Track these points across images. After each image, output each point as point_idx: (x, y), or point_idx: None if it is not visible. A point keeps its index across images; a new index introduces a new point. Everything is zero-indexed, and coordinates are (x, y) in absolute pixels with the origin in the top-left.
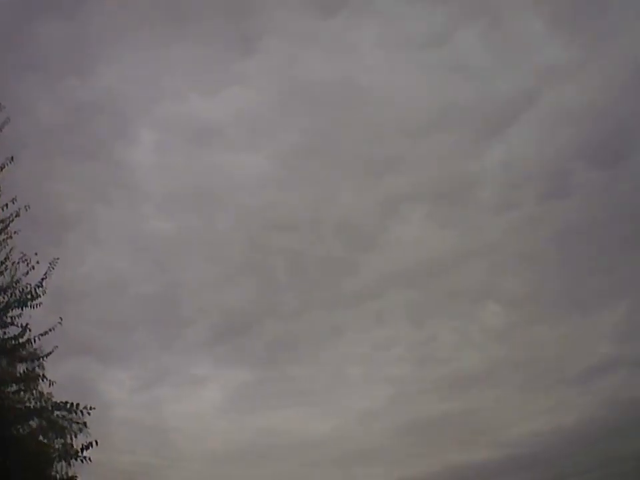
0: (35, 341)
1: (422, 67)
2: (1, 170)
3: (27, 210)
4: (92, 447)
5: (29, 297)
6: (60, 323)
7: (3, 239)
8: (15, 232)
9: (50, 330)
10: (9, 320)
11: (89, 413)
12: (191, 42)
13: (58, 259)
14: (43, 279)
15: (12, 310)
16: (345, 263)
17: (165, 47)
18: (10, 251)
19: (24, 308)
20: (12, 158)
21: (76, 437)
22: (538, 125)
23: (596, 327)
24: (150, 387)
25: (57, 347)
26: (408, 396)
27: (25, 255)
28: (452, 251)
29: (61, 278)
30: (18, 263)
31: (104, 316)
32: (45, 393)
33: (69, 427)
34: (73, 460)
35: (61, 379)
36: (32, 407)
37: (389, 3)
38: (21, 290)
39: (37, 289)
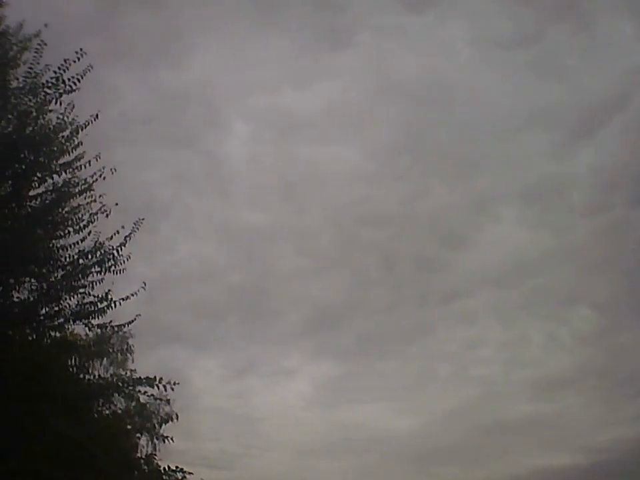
0: (115, 305)
1: (511, 67)
2: (85, 127)
3: (112, 173)
4: (172, 420)
5: (111, 258)
6: (144, 287)
7: (87, 202)
8: (100, 195)
9: (132, 294)
10: (88, 284)
11: (172, 389)
12: (282, 34)
13: (143, 219)
14: (125, 240)
15: (93, 274)
16: (436, 260)
17: (257, 38)
18: (95, 215)
19: (105, 271)
20: (97, 115)
21: (158, 413)
22: (629, 129)
23: None
24: (238, 377)
25: (139, 315)
26: (494, 396)
27: (107, 209)
28: (542, 252)
29: (153, 266)
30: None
31: (194, 304)
32: (127, 367)
33: (152, 403)
34: (156, 439)
35: (150, 366)
36: (113, 381)
37: (479, 1)
38: (102, 252)
39: (119, 251)
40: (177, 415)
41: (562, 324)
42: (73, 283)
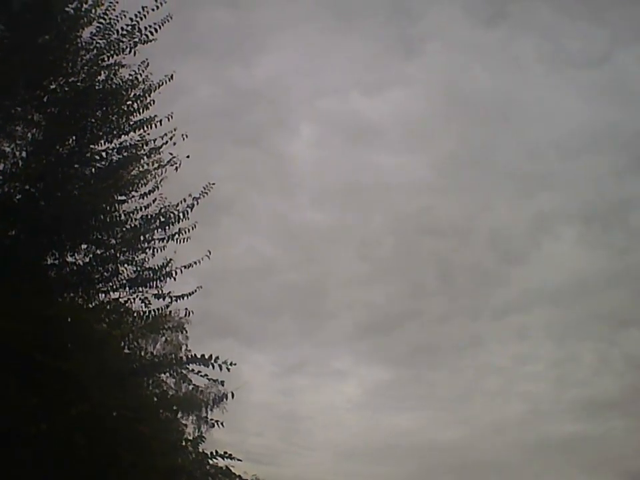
0: (176, 274)
1: (580, 86)
2: (159, 87)
3: (183, 139)
4: (226, 399)
5: (173, 219)
6: (208, 256)
7: (155, 167)
8: (168, 161)
9: (197, 262)
10: (149, 250)
11: (228, 369)
12: (355, 39)
13: (214, 184)
14: (192, 205)
15: (155, 241)
16: (494, 274)
17: (329, 42)
18: (160, 182)
19: (168, 239)
20: (172, 76)
21: (209, 397)
22: None
23: None
24: (288, 374)
25: (200, 287)
26: (541, 413)
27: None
28: (600, 273)
29: (212, 259)
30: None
31: (250, 300)
32: (179, 343)
33: (204, 388)
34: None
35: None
36: (166, 359)
37: (550, 19)
38: (166, 217)
39: (184, 214)
40: (232, 394)
41: (614, 346)
42: (133, 248)
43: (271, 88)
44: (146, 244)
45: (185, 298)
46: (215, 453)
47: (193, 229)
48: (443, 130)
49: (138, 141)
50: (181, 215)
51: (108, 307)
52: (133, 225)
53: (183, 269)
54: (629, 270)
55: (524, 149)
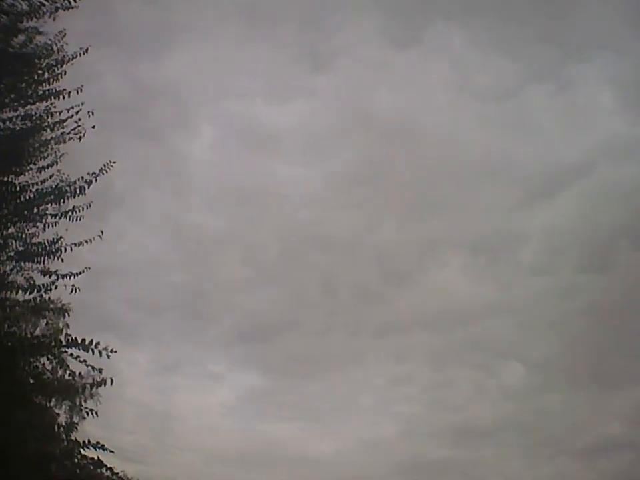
0: (65, 251)
1: (485, 118)
2: (73, 59)
3: (89, 116)
4: (104, 385)
5: (69, 194)
6: (100, 236)
7: (56, 142)
8: (70, 138)
9: (87, 241)
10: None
11: (108, 356)
12: (266, 47)
13: (114, 162)
14: (89, 182)
15: (47, 217)
16: (376, 293)
17: (240, 47)
18: (59, 157)
19: (61, 216)
20: (87, 49)
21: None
22: (588, 197)
23: (610, 406)
24: (164, 374)
25: (88, 268)
26: (413, 435)
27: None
28: (483, 303)
29: (98, 253)
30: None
31: (133, 296)
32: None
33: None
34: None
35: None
36: (41, 338)
37: (462, 49)
38: (61, 190)
39: (80, 190)
40: (111, 380)
41: (491, 376)
42: (23, 221)
43: (177, 86)
44: (37, 218)
45: (72, 277)
46: (87, 442)
47: (87, 207)
48: (341, 145)
49: (43, 112)
50: (77, 190)
51: None
52: (26, 198)
53: (72, 246)
54: (511, 303)
55: (420, 172)
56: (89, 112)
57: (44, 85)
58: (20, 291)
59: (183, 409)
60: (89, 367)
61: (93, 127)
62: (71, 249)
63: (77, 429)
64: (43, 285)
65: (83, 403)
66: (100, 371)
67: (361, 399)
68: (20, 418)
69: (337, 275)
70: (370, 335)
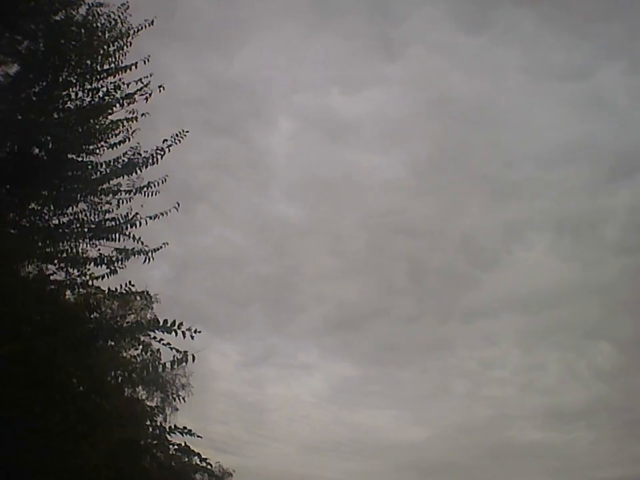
0: (140, 225)
1: (560, 98)
2: (138, 32)
3: (160, 91)
4: (186, 362)
5: (141, 163)
6: (176, 208)
7: (126, 118)
8: (142, 114)
9: (163, 213)
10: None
11: (192, 337)
12: (338, 38)
13: (187, 131)
14: (162, 151)
15: (121, 193)
16: (464, 277)
17: (311, 39)
18: (131, 133)
19: (135, 192)
20: (152, 21)
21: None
22: None
23: None
24: (255, 365)
25: (166, 243)
26: (505, 419)
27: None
28: (570, 283)
29: (185, 247)
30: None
31: (220, 289)
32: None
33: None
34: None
35: (170, 342)
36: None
37: (534, 30)
38: (133, 160)
39: (153, 158)
40: (193, 357)
41: (581, 356)
42: (95, 195)
43: (250, 80)
44: (111, 193)
45: (150, 253)
46: (173, 428)
47: (163, 182)
48: (419, 132)
49: (112, 88)
50: (149, 160)
51: (65, 254)
52: (97, 173)
53: (147, 219)
54: (598, 282)
55: (500, 155)
56: (160, 86)
57: (110, 59)
58: (95, 266)
59: (275, 400)
60: (173, 350)
61: (162, 88)
62: (146, 222)
63: (161, 412)
64: (117, 258)
65: (174, 394)
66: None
67: (452, 384)
68: (105, 408)
69: (423, 261)
70: (459, 320)
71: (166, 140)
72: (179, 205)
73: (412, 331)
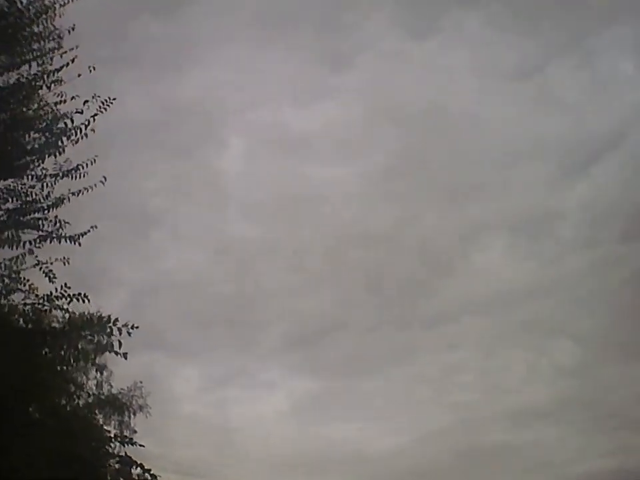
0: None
1: (511, 98)
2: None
3: (91, 71)
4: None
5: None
6: (102, 182)
7: (55, 101)
8: (72, 97)
9: (88, 189)
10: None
11: (128, 333)
12: (285, 52)
13: (114, 99)
14: (87, 123)
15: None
16: (422, 284)
17: (260, 55)
18: (59, 118)
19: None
20: None
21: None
22: (623, 166)
23: None
24: (217, 387)
25: (95, 226)
26: (473, 422)
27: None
28: (528, 283)
29: (143, 272)
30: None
31: (181, 312)
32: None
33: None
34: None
35: (131, 369)
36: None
37: (481, 31)
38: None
39: (80, 132)
40: (125, 356)
41: (544, 355)
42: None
43: (202, 101)
44: (35, 179)
45: (78, 237)
46: (116, 437)
47: (92, 163)
48: (373, 141)
49: (37, 71)
50: (75, 131)
51: None
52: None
53: (71, 196)
54: (557, 280)
55: (454, 159)
56: (90, 67)
57: (40, 42)
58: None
59: (240, 420)
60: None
61: (92, 69)
62: (69, 200)
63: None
64: (34, 240)
65: (131, 420)
66: (125, 356)
67: (416, 392)
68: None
69: (381, 270)
70: (420, 327)
71: (87, 101)
72: (105, 180)
73: (373, 342)
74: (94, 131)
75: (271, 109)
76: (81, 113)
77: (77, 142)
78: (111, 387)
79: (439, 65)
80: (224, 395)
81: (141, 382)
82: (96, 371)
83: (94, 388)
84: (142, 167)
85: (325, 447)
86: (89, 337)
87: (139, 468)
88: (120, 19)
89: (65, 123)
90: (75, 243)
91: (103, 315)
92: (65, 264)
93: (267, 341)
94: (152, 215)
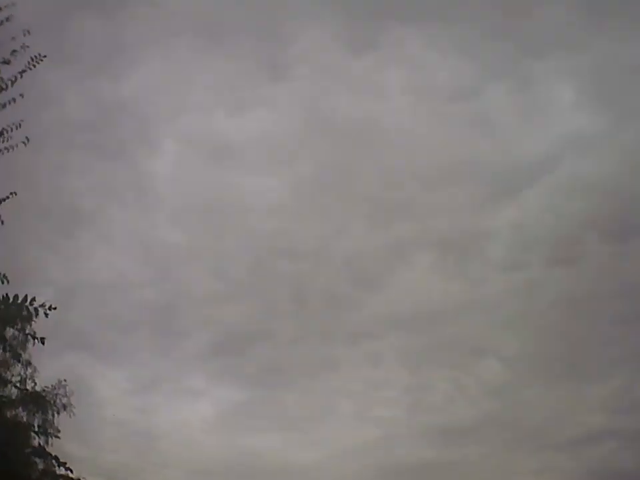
0: None
1: (445, 118)
2: None
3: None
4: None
5: None
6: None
7: None
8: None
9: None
10: None
11: (46, 314)
12: (222, 59)
13: (44, 56)
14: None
15: None
16: (347, 299)
17: (197, 60)
18: None
19: None
20: None
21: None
22: (553, 192)
23: (588, 396)
24: (142, 392)
25: (14, 193)
26: (395, 439)
27: None
28: (454, 302)
29: (69, 272)
30: None
31: (105, 314)
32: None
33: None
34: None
35: (55, 370)
36: None
37: (419, 51)
38: None
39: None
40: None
41: (468, 374)
42: None
43: (137, 103)
44: None
45: None
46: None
47: (18, 127)
48: (304, 153)
49: None
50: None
51: None
52: None
53: None
54: (483, 300)
55: (384, 176)
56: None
57: None
58: None
59: (164, 426)
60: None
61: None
62: None
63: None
64: None
65: (54, 419)
66: (42, 341)
67: (339, 406)
68: None
69: (306, 283)
70: (344, 341)
71: (15, 51)
72: (28, 140)
73: (296, 353)
74: (22, 96)
75: (204, 114)
76: (8, 63)
77: (3, 107)
78: (35, 383)
79: (375, 82)
80: (149, 400)
81: (65, 380)
82: (21, 366)
83: (18, 384)
84: (73, 165)
85: (248, 456)
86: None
87: (62, 468)
88: (57, 16)
89: None
90: None
91: (17, 294)
92: None
93: (191, 348)
94: (80, 215)
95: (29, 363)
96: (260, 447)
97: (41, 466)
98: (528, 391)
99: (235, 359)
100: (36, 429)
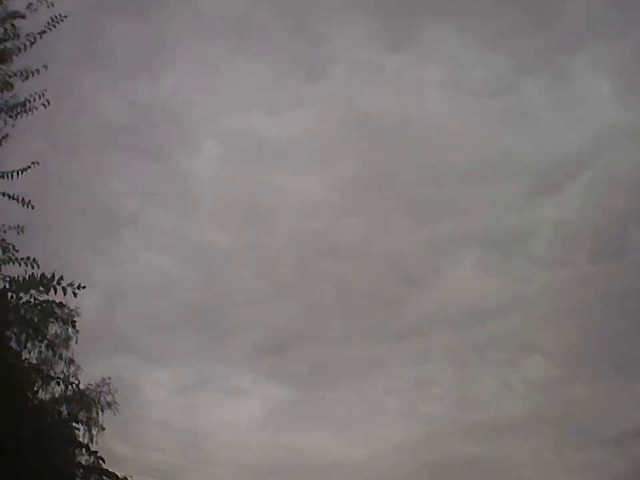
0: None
1: (484, 114)
2: None
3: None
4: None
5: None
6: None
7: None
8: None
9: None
10: None
11: (74, 293)
12: (261, 59)
13: (65, 16)
14: (33, 40)
15: None
16: (393, 297)
17: (236, 61)
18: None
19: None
20: None
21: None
22: (594, 185)
23: (635, 392)
24: (188, 392)
25: (36, 162)
26: (442, 435)
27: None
28: (499, 299)
29: (114, 274)
30: None
31: (151, 316)
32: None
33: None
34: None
35: (102, 371)
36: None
37: (456, 47)
38: None
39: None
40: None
41: (515, 370)
42: None
43: (175, 104)
44: None
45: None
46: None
47: (41, 96)
48: (344, 151)
49: None
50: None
51: None
52: None
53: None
54: (528, 296)
55: (426, 173)
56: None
57: None
58: None
59: (211, 426)
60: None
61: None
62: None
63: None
64: None
65: (99, 417)
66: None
67: (387, 403)
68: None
69: (351, 282)
70: (390, 340)
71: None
72: (48, 103)
73: (344, 352)
74: (46, 68)
75: (244, 115)
76: (24, 17)
77: (26, 78)
78: (79, 381)
79: (412, 79)
80: (195, 400)
81: (109, 378)
82: (63, 364)
83: (61, 382)
84: (114, 168)
85: (294, 454)
86: (34, 302)
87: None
88: (93, 20)
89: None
90: (11, 178)
91: (45, 274)
92: (18, 233)
93: (237, 348)
94: (124, 217)
95: (71, 361)
96: (306, 446)
97: (84, 462)
98: (574, 387)
99: (281, 358)
100: (79, 426)
